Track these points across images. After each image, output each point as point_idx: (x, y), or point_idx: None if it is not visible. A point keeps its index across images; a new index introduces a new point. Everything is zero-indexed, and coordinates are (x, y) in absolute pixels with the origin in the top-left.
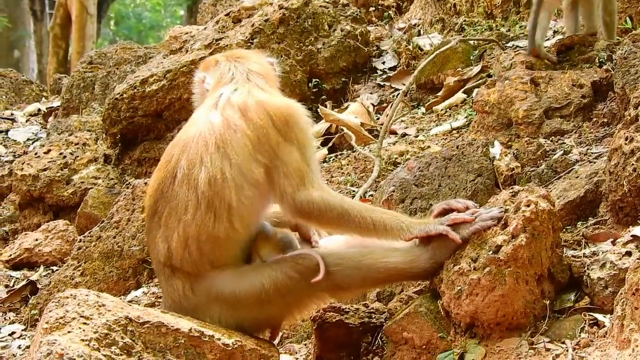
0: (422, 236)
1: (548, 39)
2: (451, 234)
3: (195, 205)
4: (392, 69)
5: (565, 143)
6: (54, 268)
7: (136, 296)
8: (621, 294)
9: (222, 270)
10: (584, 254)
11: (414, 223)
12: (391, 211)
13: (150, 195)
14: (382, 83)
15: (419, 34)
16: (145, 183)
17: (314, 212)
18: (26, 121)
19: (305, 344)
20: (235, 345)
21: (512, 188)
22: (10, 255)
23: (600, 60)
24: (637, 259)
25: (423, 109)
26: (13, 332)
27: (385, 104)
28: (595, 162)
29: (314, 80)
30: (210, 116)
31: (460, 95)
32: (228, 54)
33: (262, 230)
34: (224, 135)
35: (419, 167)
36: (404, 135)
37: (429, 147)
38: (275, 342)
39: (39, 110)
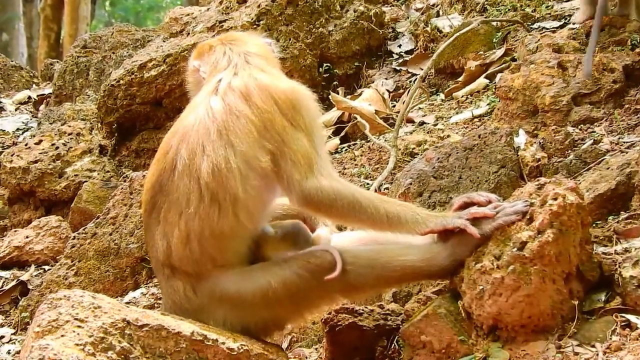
0: (439, 230)
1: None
2: (469, 229)
3: (198, 198)
4: (409, 52)
5: (595, 132)
6: (46, 267)
7: (134, 297)
8: None
9: (226, 269)
10: (615, 250)
11: (430, 216)
12: (407, 203)
13: (148, 189)
14: (398, 68)
15: (437, 15)
16: (144, 176)
17: (323, 201)
18: (15, 110)
19: (315, 348)
20: (241, 350)
21: (538, 180)
22: None
23: (633, 42)
24: None
25: (442, 96)
26: (2, 336)
27: (401, 90)
28: (627, 152)
29: (325, 65)
30: (210, 102)
31: (482, 81)
32: (222, 37)
33: (263, 231)
34: (227, 122)
35: (438, 158)
36: (422, 123)
37: (448, 136)
38: (284, 346)
39: (29, 97)
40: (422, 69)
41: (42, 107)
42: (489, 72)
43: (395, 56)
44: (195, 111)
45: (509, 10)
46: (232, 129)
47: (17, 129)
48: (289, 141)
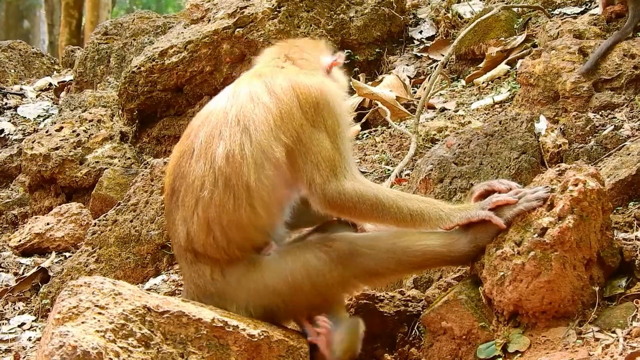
0: (463, 224)
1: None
2: (495, 219)
3: (212, 183)
4: (429, 38)
5: (615, 117)
6: (67, 254)
7: (155, 284)
8: None
9: (250, 252)
10: (636, 236)
11: (453, 210)
12: (428, 198)
13: (170, 173)
14: (419, 54)
15: (458, 1)
16: (165, 162)
17: (347, 204)
18: (36, 97)
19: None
20: (262, 336)
21: (558, 166)
22: (20, 240)
23: None
24: None
25: (463, 82)
26: (23, 323)
27: (422, 77)
28: None
29: (345, 51)
30: (237, 88)
31: (503, 67)
32: (290, 41)
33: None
34: (245, 108)
35: (459, 144)
36: (443, 110)
37: (469, 122)
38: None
39: (50, 84)
40: (443, 55)
41: (63, 94)
42: (509, 58)
43: (416, 42)
44: (222, 96)
45: None
46: (249, 115)
47: (38, 116)
48: (307, 141)
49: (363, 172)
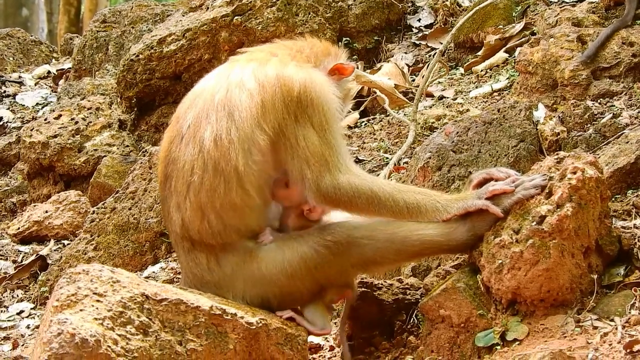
0: (461, 214)
1: None
2: (492, 209)
3: (201, 167)
4: (428, 26)
5: (614, 105)
6: (65, 242)
7: (153, 272)
8: None
9: (249, 240)
10: (634, 224)
11: (450, 201)
12: (425, 190)
13: (162, 160)
14: (417, 42)
15: None
16: (161, 152)
17: (342, 198)
18: (35, 84)
19: (335, 323)
20: (260, 324)
21: (557, 154)
22: (19, 228)
23: None
24: None
25: (462, 70)
26: (21, 311)
27: (421, 65)
28: None
29: (344, 39)
30: (227, 71)
31: (501, 55)
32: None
33: None
34: (232, 93)
35: (457, 132)
36: (441, 98)
37: (467, 110)
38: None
39: (49, 72)
40: (441, 43)
41: (61, 81)
42: (508, 46)
43: (415, 30)
44: (209, 77)
45: None
46: (234, 102)
47: (37, 104)
48: (291, 136)
49: (361, 161)
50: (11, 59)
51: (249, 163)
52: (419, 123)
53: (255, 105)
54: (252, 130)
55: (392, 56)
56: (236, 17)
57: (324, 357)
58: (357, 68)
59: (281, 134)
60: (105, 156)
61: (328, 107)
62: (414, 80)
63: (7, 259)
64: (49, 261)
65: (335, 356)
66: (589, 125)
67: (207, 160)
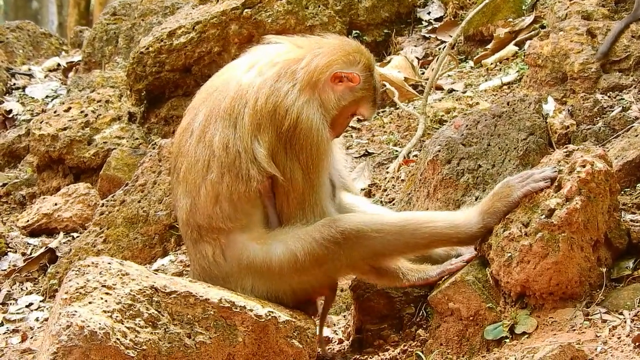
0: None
1: None
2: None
3: (219, 167)
4: (438, 19)
5: (624, 99)
6: (75, 234)
7: (163, 264)
8: None
9: (252, 233)
10: None
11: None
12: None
13: (173, 151)
14: (427, 35)
15: None
16: (172, 143)
17: None
18: (45, 77)
19: (344, 315)
20: (269, 317)
21: (566, 147)
22: (28, 221)
23: None
24: None
25: (471, 63)
26: (30, 304)
27: (430, 58)
28: None
29: (354, 32)
30: (239, 72)
31: (511, 48)
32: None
33: None
34: (235, 103)
35: (467, 125)
36: (451, 91)
37: (477, 103)
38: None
39: (59, 65)
40: (451, 36)
41: (71, 74)
42: (518, 39)
43: (425, 23)
44: (227, 70)
45: None
46: (237, 112)
47: (46, 96)
48: (279, 163)
49: (370, 154)
50: (21, 51)
51: (260, 169)
52: (429, 116)
53: (252, 123)
54: (252, 143)
55: (402, 49)
56: (246, 10)
57: (332, 349)
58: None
59: (273, 155)
60: (114, 149)
61: (317, 147)
62: (423, 74)
63: (16, 252)
64: (58, 254)
65: (344, 348)
66: (598, 118)
67: (222, 163)
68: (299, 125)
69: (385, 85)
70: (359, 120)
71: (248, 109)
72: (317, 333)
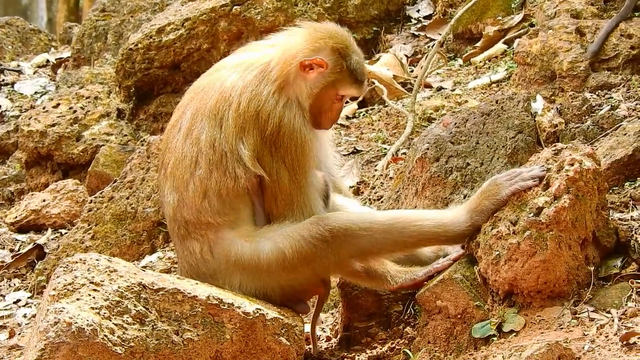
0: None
1: None
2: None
3: (207, 164)
4: (427, 17)
5: (612, 97)
6: (63, 231)
7: (151, 261)
8: None
9: (240, 229)
10: (631, 217)
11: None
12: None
13: (162, 147)
14: (416, 33)
15: None
16: (161, 140)
17: None
18: (34, 73)
19: (332, 313)
20: (257, 314)
21: (555, 146)
22: (16, 217)
23: None
24: None
25: (460, 61)
26: (18, 300)
27: (419, 56)
28: None
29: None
30: (226, 72)
31: (500, 46)
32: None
33: None
34: (221, 103)
35: (455, 123)
36: (440, 89)
37: (466, 101)
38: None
39: (48, 61)
40: (440, 34)
41: (60, 70)
42: (507, 37)
43: (414, 21)
44: (215, 70)
45: None
46: (222, 113)
47: (35, 93)
48: (266, 165)
49: (359, 151)
50: (10, 47)
51: (246, 169)
52: (417, 114)
53: (236, 125)
54: (237, 144)
55: (391, 47)
56: (235, 7)
57: (320, 347)
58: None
59: (259, 158)
60: (103, 145)
61: (302, 149)
62: (412, 71)
63: (4, 248)
64: (46, 250)
65: (332, 346)
66: (587, 117)
67: (210, 159)
68: (282, 129)
69: (374, 83)
70: (347, 118)
71: (232, 111)
72: (310, 332)
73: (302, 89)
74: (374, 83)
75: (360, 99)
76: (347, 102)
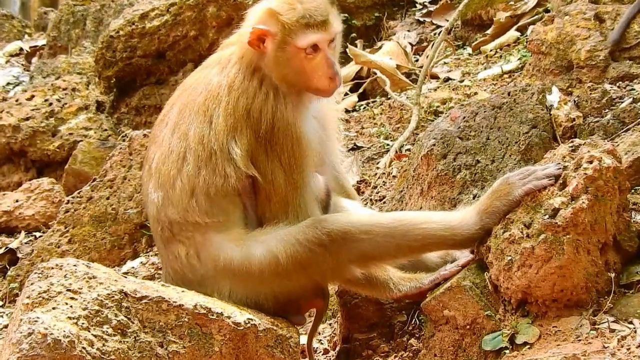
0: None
1: None
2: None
3: (195, 160)
4: (433, 2)
5: (634, 89)
6: (37, 234)
7: (133, 267)
8: None
9: (230, 232)
10: None
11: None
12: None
13: (148, 142)
14: (421, 19)
15: None
16: (145, 135)
17: None
18: (6, 62)
19: (330, 324)
20: (248, 325)
21: (572, 142)
22: None
23: None
24: None
25: (469, 50)
26: None
27: (425, 44)
28: None
29: (342, 15)
30: (213, 70)
31: (512, 34)
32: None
33: None
34: (210, 101)
35: (464, 117)
36: (447, 79)
37: (475, 93)
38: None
39: (21, 49)
40: (447, 21)
41: (34, 59)
42: (520, 24)
43: (419, 6)
44: (199, 72)
45: None
46: (211, 110)
47: (8, 83)
48: (260, 165)
49: (360, 147)
50: None
51: (236, 168)
52: (423, 107)
53: (227, 124)
54: (228, 143)
55: (394, 34)
56: None
57: None
58: (356, 47)
59: (253, 158)
60: (81, 141)
61: (298, 143)
62: (417, 61)
63: None
64: (19, 255)
65: (330, 359)
66: (606, 110)
67: (200, 156)
68: (275, 125)
69: (375, 74)
70: (347, 111)
71: (221, 109)
72: (306, 347)
73: (270, 65)
74: (375, 73)
75: (360, 90)
76: (346, 94)
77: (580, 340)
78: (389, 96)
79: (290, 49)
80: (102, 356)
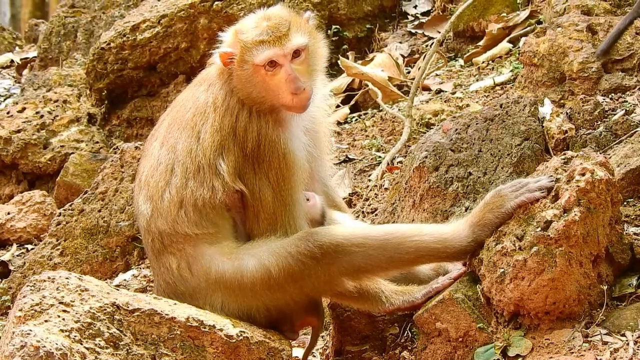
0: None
1: None
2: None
3: (183, 172)
4: (425, 14)
5: (627, 101)
6: (29, 247)
7: (125, 279)
8: None
9: (221, 245)
10: None
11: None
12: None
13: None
14: (413, 31)
15: None
16: (136, 147)
17: None
18: None
19: (322, 336)
20: (240, 337)
21: (564, 154)
22: None
23: None
24: None
25: (461, 61)
26: None
27: (417, 55)
28: None
29: (333, 27)
30: (201, 87)
31: (504, 45)
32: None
33: None
34: (197, 117)
35: (456, 129)
36: (439, 91)
37: (467, 105)
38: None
39: (12, 61)
40: (439, 32)
41: (25, 71)
42: (512, 35)
43: (411, 18)
44: (187, 90)
45: None
46: (200, 126)
47: None
48: (248, 182)
49: (351, 160)
50: None
51: (224, 183)
52: (415, 119)
53: (214, 141)
54: (216, 159)
55: (386, 46)
56: (216, 3)
57: None
58: (348, 59)
59: (241, 175)
60: (72, 153)
61: (285, 160)
62: (409, 73)
63: None
64: (11, 267)
65: None
66: (599, 122)
67: (188, 169)
68: (261, 143)
69: (367, 85)
70: (338, 124)
71: (209, 126)
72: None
73: (236, 84)
74: (367, 85)
75: (351, 102)
76: (338, 106)
77: (572, 352)
78: (380, 108)
79: (249, 67)
80: None
